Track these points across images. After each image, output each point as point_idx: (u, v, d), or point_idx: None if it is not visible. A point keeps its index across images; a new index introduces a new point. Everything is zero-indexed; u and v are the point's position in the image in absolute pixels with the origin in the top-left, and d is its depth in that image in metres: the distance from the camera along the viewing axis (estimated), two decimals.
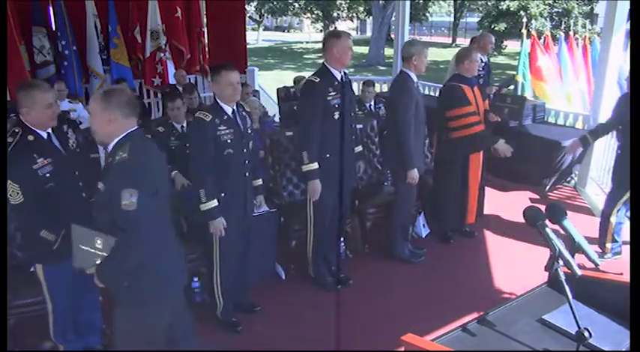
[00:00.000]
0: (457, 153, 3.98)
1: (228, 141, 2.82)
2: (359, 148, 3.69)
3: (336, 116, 3.21)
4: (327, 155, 3.25)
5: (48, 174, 2.39)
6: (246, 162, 2.95)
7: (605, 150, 5.15)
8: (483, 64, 5.06)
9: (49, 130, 2.47)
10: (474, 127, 3.88)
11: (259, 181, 3.16)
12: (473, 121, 3.88)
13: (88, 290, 2.75)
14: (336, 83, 3.23)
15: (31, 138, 2.39)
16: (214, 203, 2.82)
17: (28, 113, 2.38)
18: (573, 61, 6.91)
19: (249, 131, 3.00)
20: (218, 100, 2.88)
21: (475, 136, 3.88)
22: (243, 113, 3.03)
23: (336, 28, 26.96)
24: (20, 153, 2.35)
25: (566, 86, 6.78)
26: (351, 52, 3.26)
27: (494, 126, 4.48)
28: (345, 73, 3.34)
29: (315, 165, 3.23)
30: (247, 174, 2.98)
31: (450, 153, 4.01)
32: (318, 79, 3.22)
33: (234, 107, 2.92)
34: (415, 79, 3.65)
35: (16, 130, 2.39)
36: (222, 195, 2.86)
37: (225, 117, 2.84)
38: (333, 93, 3.20)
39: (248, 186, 3.02)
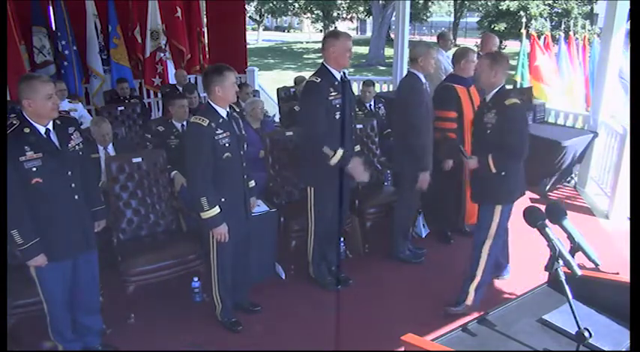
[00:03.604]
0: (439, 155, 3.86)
1: (226, 144, 2.79)
2: (357, 148, 3.69)
3: (337, 116, 3.20)
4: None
5: (34, 168, 2.37)
6: (243, 164, 2.94)
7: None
8: None
9: (50, 127, 2.46)
10: (445, 133, 3.81)
11: (252, 183, 3.14)
12: (448, 127, 3.82)
13: (88, 290, 2.76)
14: (337, 83, 3.21)
15: (27, 130, 2.38)
16: (216, 210, 2.80)
17: (30, 105, 2.37)
18: (572, 62, 6.92)
19: (243, 132, 2.98)
20: (212, 103, 2.80)
21: (444, 142, 3.78)
22: (235, 114, 3.00)
23: (336, 28, 26.95)
24: (11, 142, 2.33)
25: (565, 86, 6.79)
26: (350, 53, 3.20)
27: None
28: (344, 73, 3.33)
29: (340, 153, 3.18)
30: (245, 176, 2.98)
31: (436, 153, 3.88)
32: (320, 79, 3.18)
33: (227, 109, 2.87)
34: (424, 80, 3.62)
35: (14, 122, 2.39)
36: (223, 200, 2.84)
37: (221, 120, 2.79)
38: (334, 94, 3.18)
39: (246, 188, 3.01)
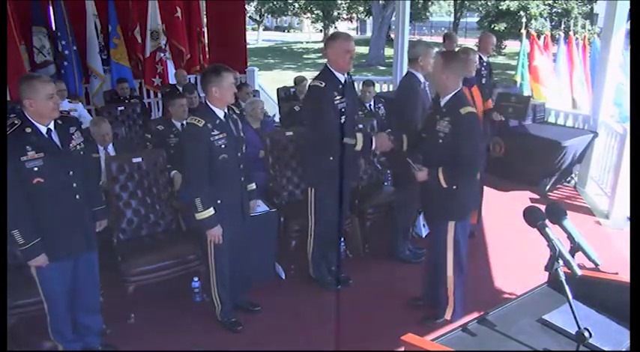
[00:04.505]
0: None
1: (222, 146, 2.77)
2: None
3: (342, 119, 3.17)
4: (331, 158, 3.23)
5: (36, 168, 2.38)
6: (241, 166, 2.92)
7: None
8: (485, 63, 5.06)
9: (51, 126, 2.46)
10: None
11: (253, 186, 3.13)
12: None
13: (88, 290, 2.76)
14: (341, 87, 3.18)
15: (28, 130, 2.39)
16: (211, 212, 2.79)
17: (31, 105, 2.38)
18: (570, 62, 6.92)
19: (242, 134, 2.96)
20: (210, 104, 2.79)
21: None
22: (234, 116, 2.98)
23: (336, 28, 26.97)
24: (12, 141, 2.34)
25: (561, 86, 6.80)
26: (350, 55, 3.13)
27: (498, 126, 4.46)
28: (348, 74, 3.29)
29: (361, 137, 3.17)
30: (242, 178, 2.97)
31: None
32: (324, 84, 3.14)
33: (225, 110, 2.85)
34: (422, 79, 3.62)
35: (16, 122, 2.39)
36: (219, 201, 2.83)
37: (218, 121, 2.78)
38: (339, 98, 3.16)
39: (244, 190, 3.00)
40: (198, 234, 3.06)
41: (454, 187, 2.83)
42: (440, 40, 5.99)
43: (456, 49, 5.47)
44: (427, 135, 2.99)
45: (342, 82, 3.20)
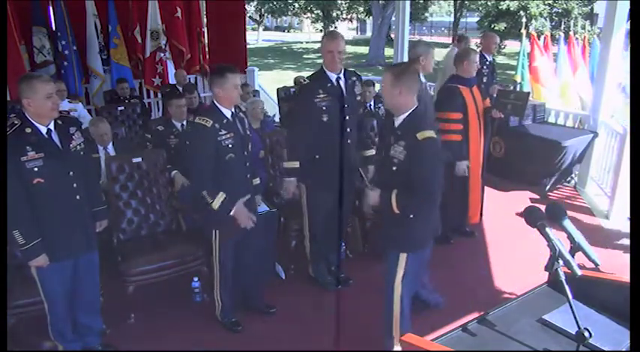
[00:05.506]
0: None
1: (230, 145, 2.78)
2: (370, 152, 3.61)
3: (325, 118, 3.17)
4: (317, 156, 3.23)
5: (36, 169, 2.38)
6: (247, 164, 2.93)
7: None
8: (488, 63, 5.07)
9: (51, 127, 2.46)
10: (451, 135, 3.78)
11: (257, 180, 3.13)
12: (454, 129, 3.82)
13: (89, 290, 2.76)
14: (329, 85, 3.19)
15: (28, 130, 2.39)
16: (222, 195, 2.76)
17: (30, 104, 2.38)
18: (572, 61, 6.92)
19: (248, 132, 2.97)
20: (217, 104, 2.81)
21: (449, 145, 3.67)
22: (241, 114, 3.00)
23: (336, 28, 26.97)
24: (12, 142, 2.34)
25: (561, 86, 6.79)
26: (333, 54, 3.12)
27: (498, 125, 4.44)
28: (354, 73, 3.31)
29: (294, 164, 3.25)
30: (248, 176, 2.97)
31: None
32: (307, 81, 3.24)
33: (232, 109, 2.87)
34: (423, 79, 3.62)
35: (15, 122, 2.39)
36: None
37: (225, 120, 2.79)
38: (322, 96, 3.15)
39: (250, 188, 3.00)
40: (202, 234, 3.05)
41: (411, 216, 2.49)
42: (440, 40, 6.00)
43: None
44: (382, 159, 2.63)
45: (333, 80, 3.19)
